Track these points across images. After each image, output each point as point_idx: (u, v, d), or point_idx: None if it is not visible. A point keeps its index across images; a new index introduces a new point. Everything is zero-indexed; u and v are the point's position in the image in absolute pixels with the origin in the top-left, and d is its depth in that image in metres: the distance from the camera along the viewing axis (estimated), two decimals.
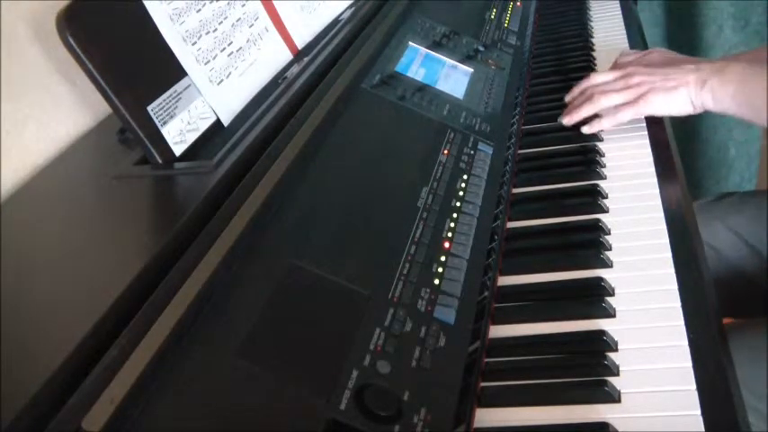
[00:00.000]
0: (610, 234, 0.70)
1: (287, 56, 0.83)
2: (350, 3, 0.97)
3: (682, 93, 0.79)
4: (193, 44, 0.69)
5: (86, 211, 0.64)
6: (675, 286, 0.61)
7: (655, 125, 0.85)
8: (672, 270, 0.63)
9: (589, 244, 0.69)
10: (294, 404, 0.45)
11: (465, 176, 0.73)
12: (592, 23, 1.24)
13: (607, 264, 0.66)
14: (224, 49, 0.73)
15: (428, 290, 0.58)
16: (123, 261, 0.52)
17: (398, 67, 0.85)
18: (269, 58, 0.80)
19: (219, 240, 0.52)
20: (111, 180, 0.65)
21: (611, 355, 0.56)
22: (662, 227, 0.69)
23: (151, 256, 0.50)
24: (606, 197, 0.76)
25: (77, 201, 0.67)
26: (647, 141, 0.83)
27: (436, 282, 0.59)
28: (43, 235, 0.61)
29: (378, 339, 0.51)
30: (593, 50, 1.12)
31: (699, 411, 0.50)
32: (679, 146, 0.86)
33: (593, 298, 0.62)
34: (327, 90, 0.73)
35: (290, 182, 0.60)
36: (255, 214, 0.55)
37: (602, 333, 0.58)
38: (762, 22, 1.52)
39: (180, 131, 0.66)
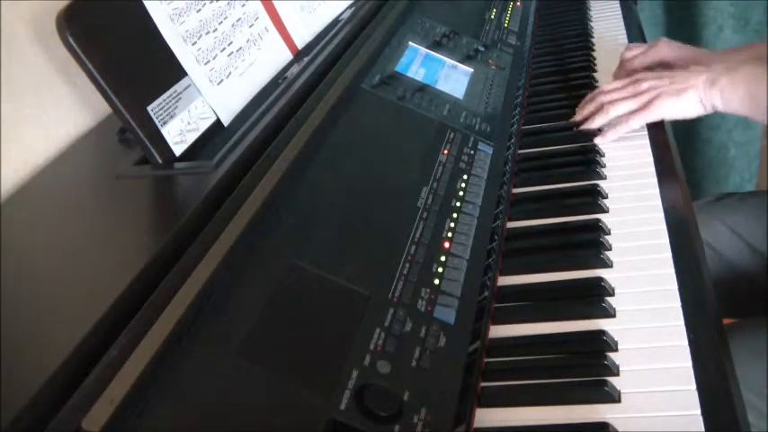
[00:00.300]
0: (610, 234, 0.70)
1: (287, 56, 0.83)
2: (350, 3, 0.97)
3: (691, 95, 0.78)
4: (193, 44, 0.69)
5: (86, 211, 0.64)
6: (675, 286, 0.61)
7: (655, 125, 0.85)
8: (672, 270, 0.63)
9: (589, 244, 0.69)
10: (294, 404, 0.45)
11: (465, 176, 0.73)
12: (592, 23, 1.24)
13: (607, 264, 0.66)
14: (224, 49, 0.73)
15: (428, 290, 0.58)
16: (123, 261, 0.52)
17: (398, 67, 0.85)
18: (269, 58, 0.80)
19: (219, 240, 0.52)
20: (112, 180, 0.65)
21: (611, 355, 0.56)
22: (662, 227, 0.69)
23: (151, 256, 0.50)
24: (606, 197, 0.76)
25: (77, 201, 0.67)
26: (647, 141, 0.83)
27: (436, 282, 0.59)
28: (43, 235, 0.61)
29: (378, 339, 0.51)
30: (593, 50, 1.12)
31: (699, 411, 0.50)
32: (679, 146, 0.86)
33: (593, 298, 0.62)
34: (327, 90, 0.73)
35: (290, 182, 0.60)
36: (255, 214, 0.55)
37: (602, 333, 0.58)
38: (762, 22, 1.52)
39: (180, 131, 0.66)
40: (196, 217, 0.54)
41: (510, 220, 0.76)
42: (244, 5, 0.78)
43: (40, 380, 0.40)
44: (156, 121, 0.64)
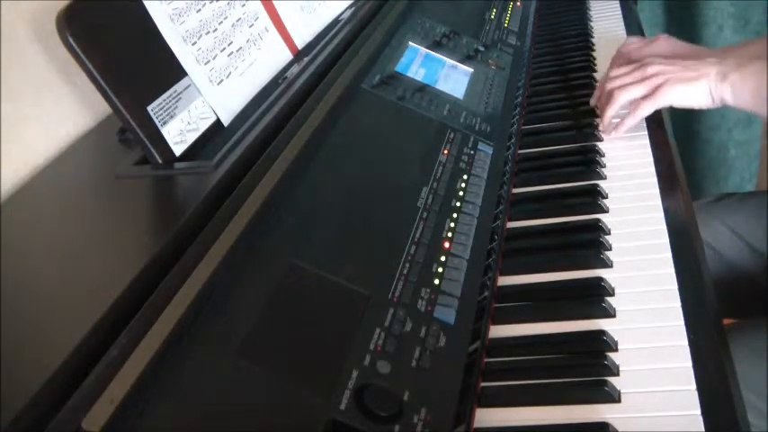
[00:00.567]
0: (610, 234, 0.70)
1: (287, 56, 0.83)
2: (350, 3, 0.97)
3: (702, 84, 0.77)
4: (193, 44, 0.69)
5: (86, 211, 0.64)
6: (675, 286, 0.61)
7: (655, 125, 0.85)
8: (672, 270, 0.63)
9: (589, 244, 0.69)
10: (294, 404, 0.45)
11: (465, 176, 0.73)
12: (592, 23, 1.24)
13: (607, 264, 0.66)
14: (224, 49, 0.73)
15: (428, 290, 0.58)
16: (123, 261, 0.52)
17: (398, 67, 0.85)
18: (269, 58, 0.80)
19: (219, 240, 0.52)
20: (112, 180, 0.65)
21: (611, 355, 0.56)
22: (662, 227, 0.69)
23: (151, 256, 0.50)
24: (606, 197, 0.76)
25: (77, 201, 0.67)
26: (647, 141, 0.83)
27: (436, 282, 0.59)
28: (43, 235, 0.61)
29: (378, 339, 0.51)
30: (593, 50, 1.12)
31: (699, 411, 0.50)
32: (679, 146, 0.86)
33: (593, 298, 0.62)
34: (327, 90, 0.73)
35: (290, 182, 0.60)
36: (255, 214, 0.55)
37: (602, 333, 0.58)
38: (762, 22, 1.52)
39: (180, 131, 0.66)
40: (196, 217, 0.54)
41: (510, 220, 0.76)
42: (244, 5, 0.78)
43: (40, 380, 0.40)
44: (156, 121, 0.64)
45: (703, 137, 1.68)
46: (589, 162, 0.82)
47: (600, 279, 0.63)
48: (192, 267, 0.49)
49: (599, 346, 0.57)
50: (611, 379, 0.53)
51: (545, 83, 1.05)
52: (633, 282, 0.63)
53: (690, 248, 0.66)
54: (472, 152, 0.78)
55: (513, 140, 0.86)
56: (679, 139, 0.89)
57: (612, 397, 0.52)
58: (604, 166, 0.81)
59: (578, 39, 1.17)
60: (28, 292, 0.52)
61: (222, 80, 0.72)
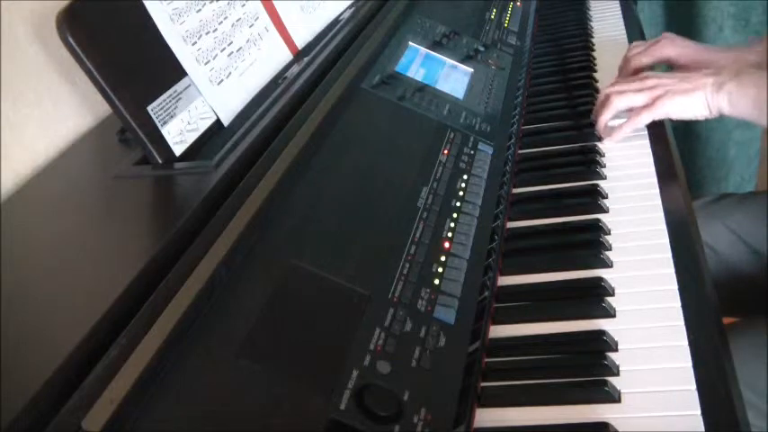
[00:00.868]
0: (610, 234, 0.70)
1: (287, 56, 0.83)
2: (350, 3, 0.97)
3: (698, 95, 0.78)
4: (193, 44, 0.69)
5: (86, 211, 0.64)
6: (675, 286, 0.61)
7: (655, 125, 0.85)
8: (672, 270, 0.63)
9: (589, 244, 0.69)
10: (294, 404, 0.45)
11: (465, 176, 0.73)
12: (592, 23, 1.24)
13: (607, 264, 0.66)
14: (224, 49, 0.73)
15: (428, 290, 0.58)
16: (123, 261, 0.52)
17: (398, 67, 0.85)
18: (269, 58, 0.80)
19: (219, 240, 0.52)
20: (111, 180, 0.65)
21: (611, 355, 0.56)
22: (662, 227, 0.69)
23: (151, 256, 0.50)
24: (606, 197, 0.76)
25: (77, 201, 0.67)
26: (647, 141, 0.83)
27: (436, 282, 0.59)
28: (43, 235, 0.61)
29: (378, 339, 0.51)
30: (593, 50, 1.12)
31: (699, 411, 0.50)
32: (679, 146, 0.86)
33: (593, 298, 0.62)
34: (327, 90, 0.73)
35: (289, 182, 0.60)
36: (255, 214, 0.55)
37: (602, 333, 0.58)
38: (762, 22, 1.52)
39: (180, 131, 0.66)
40: (196, 217, 0.54)
41: (510, 220, 0.76)
42: (244, 5, 0.78)
43: (40, 380, 0.40)
44: (156, 121, 0.64)
45: (703, 137, 1.68)
46: (589, 162, 0.82)
47: (600, 279, 0.63)
48: (192, 267, 0.49)
49: (599, 346, 0.57)
50: (611, 379, 0.53)
51: (545, 83, 1.05)
52: (633, 282, 0.63)
53: (690, 248, 0.66)
54: (472, 152, 0.78)
55: (513, 140, 0.86)
56: (679, 139, 0.89)
57: (612, 397, 0.52)
58: (604, 166, 0.81)
59: (578, 39, 1.17)
60: (28, 292, 0.52)
61: (222, 80, 0.72)
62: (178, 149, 0.65)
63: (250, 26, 0.78)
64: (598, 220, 0.71)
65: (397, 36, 0.91)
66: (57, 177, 0.72)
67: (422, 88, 0.84)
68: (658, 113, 0.81)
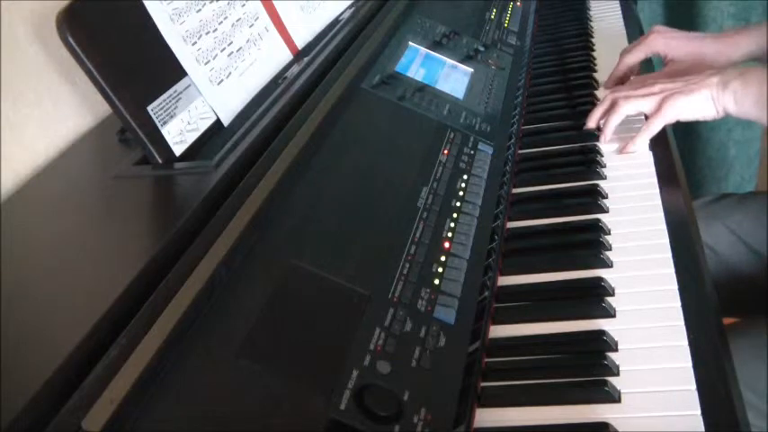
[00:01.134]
0: (610, 234, 0.70)
1: (287, 56, 0.83)
2: (350, 3, 0.97)
3: (704, 94, 0.77)
4: (193, 44, 0.69)
5: (86, 211, 0.64)
6: (675, 286, 0.61)
7: None
8: (672, 270, 0.63)
9: (589, 244, 0.69)
10: (294, 404, 0.45)
11: (465, 176, 0.73)
12: (592, 23, 1.24)
13: (607, 264, 0.66)
14: (224, 49, 0.73)
15: (428, 290, 0.58)
16: (123, 261, 0.52)
17: (398, 67, 0.85)
18: (269, 58, 0.80)
19: (219, 240, 0.52)
20: (111, 180, 0.65)
21: (611, 355, 0.56)
22: (662, 227, 0.69)
23: (151, 256, 0.50)
24: (606, 197, 0.76)
25: (77, 201, 0.67)
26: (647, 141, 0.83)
27: (436, 282, 0.59)
28: (43, 235, 0.61)
29: (378, 339, 0.51)
30: (593, 50, 1.12)
31: (699, 411, 0.50)
32: (679, 146, 0.86)
33: (593, 298, 0.62)
34: (327, 90, 0.73)
35: (290, 182, 0.60)
36: (255, 214, 0.55)
37: (602, 333, 0.58)
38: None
39: (180, 131, 0.66)
40: (196, 217, 0.54)
41: (510, 220, 0.76)
42: (244, 5, 0.78)
43: (40, 380, 0.40)
44: (156, 121, 0.64)
45: (703, 136, 1.68)
46: (589, 162, 0.82)
47: (600, 279, 0.63)
48: (192, 267, 0.49)
49: (599, 346, 0.57)
50: (611, 379, 0.53)
51: (545, 83, 1.05)
52: (633, 282, 0.63)
53: (690, 248, 0.66)
54: (472, 152, 0.78)
55: (513, 140, 0.86)
56: (679, 139, 0.89)
57: (612, 397, 0.52)
58: (604, 166, 0.81)
59: (578, 39, 1.17)
60: (28, 292, 0.52)
61: (222, 80, 0.72)
62: (178, 149, 0.65)
63: (250, 26, 0.78)
64: (598, 220, 0.71)
65: (397, 36, 0.91)
66: (57, 177, 0.72)
67: (422, 88, 0.84)
68: (668, 117, 0.80)
